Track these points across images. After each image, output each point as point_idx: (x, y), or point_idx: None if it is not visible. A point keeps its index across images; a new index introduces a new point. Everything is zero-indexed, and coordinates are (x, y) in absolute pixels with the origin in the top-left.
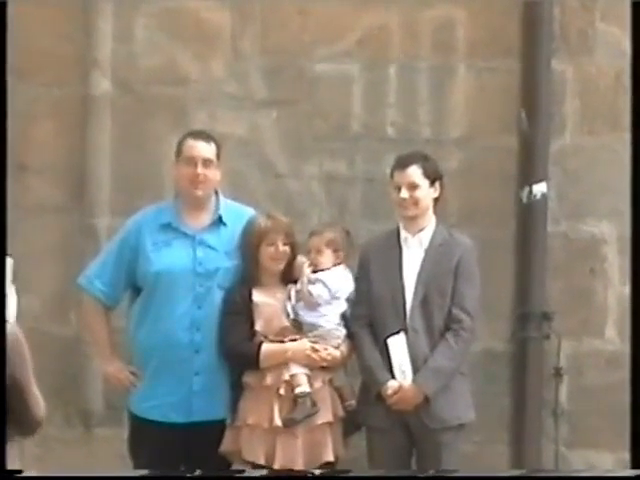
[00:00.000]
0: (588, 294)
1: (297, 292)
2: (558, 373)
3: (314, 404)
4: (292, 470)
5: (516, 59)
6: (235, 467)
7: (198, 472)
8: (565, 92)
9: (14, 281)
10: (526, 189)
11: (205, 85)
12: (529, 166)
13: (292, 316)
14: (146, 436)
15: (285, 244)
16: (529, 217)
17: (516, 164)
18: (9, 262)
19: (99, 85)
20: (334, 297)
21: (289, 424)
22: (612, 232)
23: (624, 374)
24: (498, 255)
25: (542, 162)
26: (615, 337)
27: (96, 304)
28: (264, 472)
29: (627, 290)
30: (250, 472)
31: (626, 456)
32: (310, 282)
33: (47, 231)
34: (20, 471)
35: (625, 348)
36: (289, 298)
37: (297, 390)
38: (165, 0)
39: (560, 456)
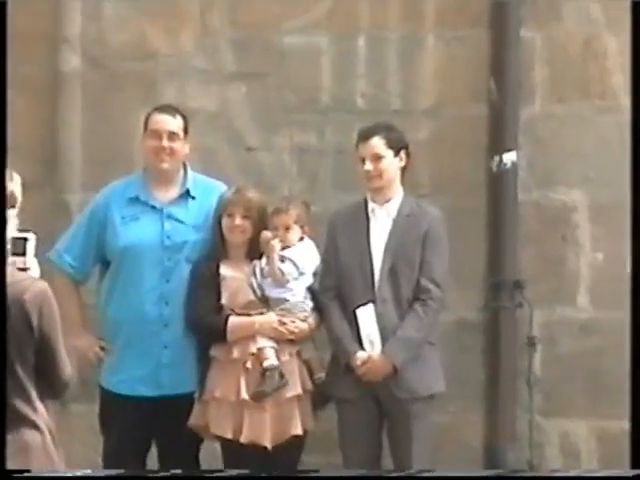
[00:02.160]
0: (560, 262)
1: (262, 269)
2: (531, 342)
3: (282, 376)
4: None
5: (484, 28)
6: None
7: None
8: (534, 60)
9: None
10: (496, 158)
11: (174, 59)
12: (499, 135)
13: (258, 293)
14: (116, 410)
15: (245, 217)
16: (499, 186)
17: (486, 133)
18: (32, 238)
19: (69, 61)
20: (301, 273)
21: (258, 397)
22: (583, 199)
23: (597, 341)
24: (469, 225)
25: (512, 131)
26: (587, 304)
27: (66, 279)
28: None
29: (599, 257)
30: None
31: (601, 423)
32: (280, 260)
33: (20, 207)
34: (20, 471)
35: (598, 315)
36: (254, 274)
37: (265, 363)
38: None
39: (535, 425)
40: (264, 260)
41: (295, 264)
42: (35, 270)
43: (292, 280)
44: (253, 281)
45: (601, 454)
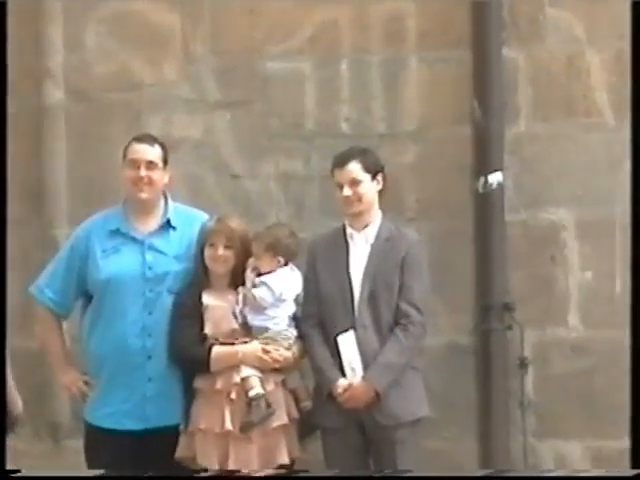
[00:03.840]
0: (549, 282)
1: (244, 296)
2: (523, 363)
3: (269, 405)
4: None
5: (467, 49)
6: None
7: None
8: (518, 80)
9: None
10: (482, 179)
11: (158, 89)
12: (484, 156)
13: (240, 320)
14: (101, 444)
15: (227, 247)
16: (486, 207)
17: (471, 154)
18: None
19: (52, 94)
20: (279, 299)
21: (246, 428)
22: (570, 218)
23: (589, 360)
24: (457, 247)
25: (497, 151)
26: (578, 324)
27: (47, 313)
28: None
29: (588, 276)
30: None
31: (595, 443)
32: (254, 285)
33: (7, 243)
34: (19, 471)
35: (589, 334)
36: (237, 302)
37: (251, 393)
38: (114, 4)
39: (529, 447)
40: (243, 288)
41: (270, 289)
42: None
43: (270, 307)
44: (236, 309)
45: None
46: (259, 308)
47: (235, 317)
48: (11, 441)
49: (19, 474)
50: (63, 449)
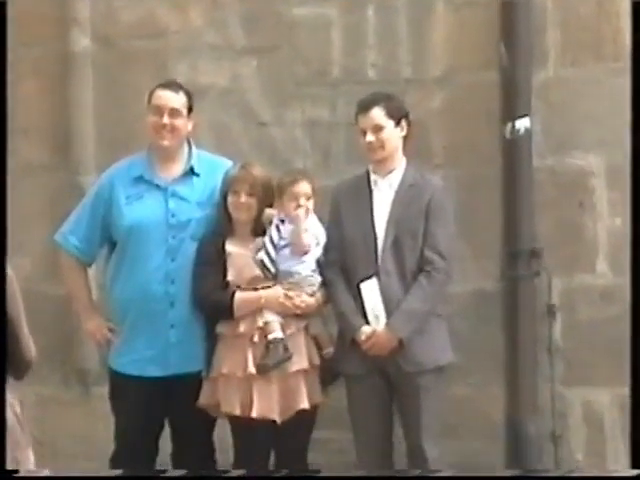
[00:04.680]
0: (577, 228)
1: (277, 242)
2: (551, 310)
3: (286, 349)
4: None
5: None
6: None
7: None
8: (546, 23)
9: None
10: (509, 125)
11: (185, 36)
12: (511, 101)
13: (270, 267)
14: (125, 391)
15: (250, 194)
16: (513, 153)
17: (499, 100)
18: None
19: (79, 42)
20: (317, 243)
21: (262, 370)
22: (600, 164)
23: (617, 308)
24: (485, 193)
25: (524, 96)
26: (607, 271)
27: (72, 260)
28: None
29: (617, 222)
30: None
31: (624, 391)
32: (304, 230)
33: (35, 191)
34: (18, 471)
35: (617, 281)
36: (266, 249)
37: (269, 336)
38: None
39: (557, 395)
40: (275, 233)
41: (314, 233)
42: None
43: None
44: (263, 255)
45: (624, 422)
46: (303, 253)
47: (261, 264)
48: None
49: (19, 474)
50: (91, 396)
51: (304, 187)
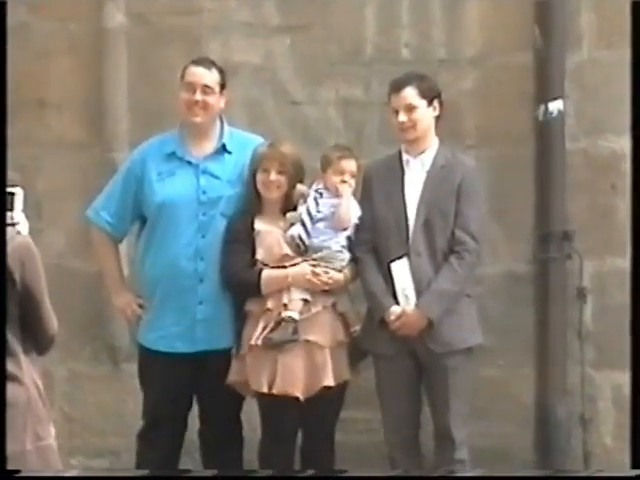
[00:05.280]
0: (610, 211)
1: (310, 214)
2: (581, 293)
3: (295, 332)
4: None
5: None
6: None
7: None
8: (580, 5)
9: (39, 218)
10: (542, 107)
11: (218, 14)
12: (545, 83)
13: (305, 239)
14: (153, 366)
15: (280, 172)
16: (546, 135)
17: (532, 82)
18: (19, 192)
19: (114, 18)
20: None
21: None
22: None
23: None
24: (517, 175)
25: (558, 79)
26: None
27: (104, 236)
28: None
29: None
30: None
31: None
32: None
33: (68, 167)
34: (19, 471)
35: None
36: (301, 218)
37: (284, 313)
38: None
39: (586, 378)
40: (314, 205)
41: (355, 208)
42: (23, 224)
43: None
44: (300, 227)
45: None
46: (344, 227)
47: (297, 239)
48: (69, 363)
49: (19, 474)
50: (122, 372)
51: (351, 164)
